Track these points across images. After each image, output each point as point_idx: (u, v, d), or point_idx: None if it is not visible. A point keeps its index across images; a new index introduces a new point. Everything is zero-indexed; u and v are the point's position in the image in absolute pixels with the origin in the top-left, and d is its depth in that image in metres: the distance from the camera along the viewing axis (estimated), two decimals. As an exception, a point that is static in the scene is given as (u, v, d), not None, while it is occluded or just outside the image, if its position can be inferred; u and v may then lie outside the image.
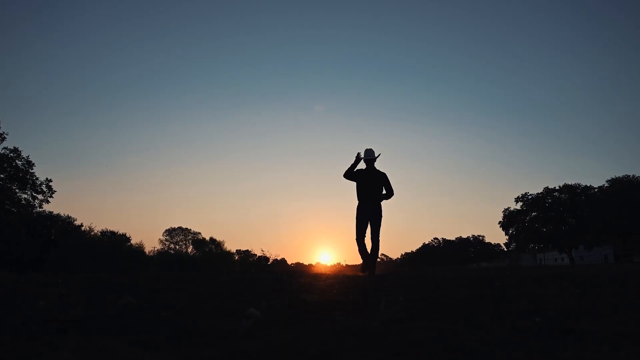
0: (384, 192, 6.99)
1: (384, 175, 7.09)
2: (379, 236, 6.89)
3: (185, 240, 64.10)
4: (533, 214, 47.08)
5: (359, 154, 7.09)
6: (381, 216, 6.95)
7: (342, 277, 5.26)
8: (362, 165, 7.10)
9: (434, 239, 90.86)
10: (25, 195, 31.09)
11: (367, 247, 6.79)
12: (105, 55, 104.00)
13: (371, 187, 6.90)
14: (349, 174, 7.01)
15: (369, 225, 6.87)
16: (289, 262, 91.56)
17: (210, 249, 59.38)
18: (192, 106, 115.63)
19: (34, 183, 31.15)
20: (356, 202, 7.08)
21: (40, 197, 31.57)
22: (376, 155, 7.17)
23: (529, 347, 0.95)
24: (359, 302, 1.79)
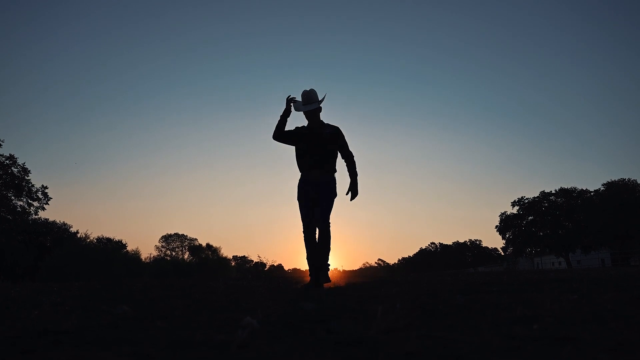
0: (346, 160, 4.91)
1: (335, 131, 4.84)
2: (328, 222, 4.73)
3: (181, 246, 63.94)
4: (530, 218, 47.19)
5: (290, 100, 4.81)
6: (333, 193, 4.80)
7: (339, 284, 5.25)
8: (303, 119, 4.93)
9: (431, 243, 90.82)
10: (21, 203, 31.00)
11: (315, 239, 4.79)
12: (100, 61, 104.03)
13: (316, 151, 4.76)
14: (280, 134, 4.80)
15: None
16: (286, 268, 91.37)
17: (207, 255, 59.23)
18: (188, 112, 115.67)
19: (29, 190, 31.07)
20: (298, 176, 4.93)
21: (35, 204, 31.48)
22: (319, 100, 4.81)
23: (526, 356, 0.95)
24: (355, 310, 1.78)
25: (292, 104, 4.80)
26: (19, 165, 30.70)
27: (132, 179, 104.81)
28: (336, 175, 4.94)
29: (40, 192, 31.58)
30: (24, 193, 30.92)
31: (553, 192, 47.30)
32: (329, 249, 4.74)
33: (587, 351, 0.98)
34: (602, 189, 43.54)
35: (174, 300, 2.69)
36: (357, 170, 4.92)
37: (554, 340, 1.11)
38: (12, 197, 30.56)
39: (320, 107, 4.83)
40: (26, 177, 30.95)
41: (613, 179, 43.46)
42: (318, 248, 4.70)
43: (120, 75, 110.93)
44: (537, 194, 48.04)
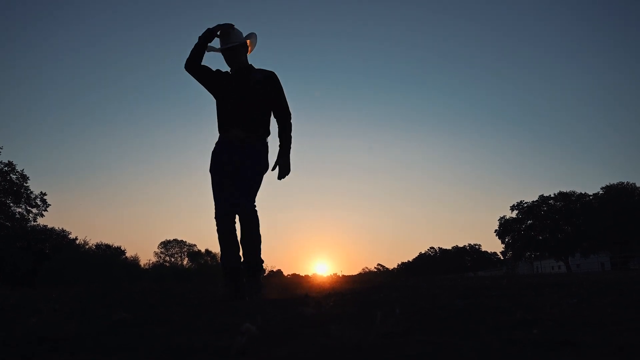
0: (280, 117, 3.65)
1: (267, 77, 3.60)
2: (253, 205, 3.43)
3: (180, 252, 63.88)
4: (529, 222, 47.27)
5: (213, 30, 3.51)
6: (262, 164, 3.53)
7: (339, 289, 5.24)
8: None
9: (430, 248, 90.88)
10: (20, 209, 31.02)
11: (236, 231, 3.51)
12: (98, 67, 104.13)
13: (239, 101, 3.50)
14: (193, 63, 3.53)
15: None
16: (285, 274, 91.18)
17: (206, 261, 59.16)
18: (187, 117, 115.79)
19: (28, 197, 31.11)
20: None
21: (34, 210, 31.57)
22: (245, 40, 3.59)
23: (527, 361, 0.95)
24: (355, 315, 1.77)
25: (216, 33, 3.55)
26: (18, 171, 30.78)
27: (131, 186, 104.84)
28: (269, 140, 3.71)
29: (39, 199, 31.64)
30: (23, 200, 30.95)
31: (552, 196, 47.42)
32: (259, 244, 3.49)
33: (587, 355, 0.98)
34: (601, 192, 43.65)
35: (173, 305, 2.68)
36: (292, 136, 3.68)
37: (554, 344, 1.10)
38: (11, 204, 30.60)
39: (249, 49, 3.67)
40: (25, 184, 31.00)
41: (612, 183, 43.58)
42: (243, 243, 3.45)
43: (119, 81, 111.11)
44: (536, 198, 48.18)
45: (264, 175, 3.58)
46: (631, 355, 0.98)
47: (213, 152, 3.60)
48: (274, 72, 3.65)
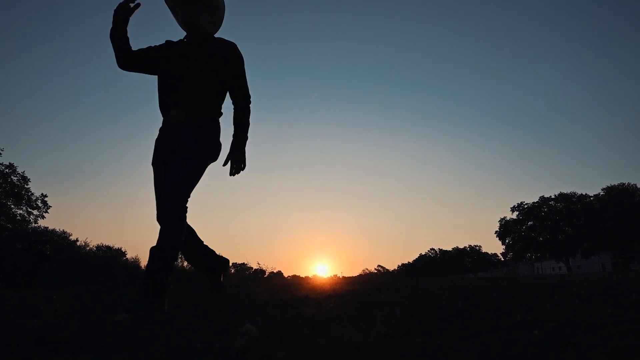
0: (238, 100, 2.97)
1: (226, 49, 2.93)
2: (179, 200, 2.61)
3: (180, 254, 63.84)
4: (529, 223, 47.23)
5: (118, 11, 2.85)
6: (201, 150, 2.76)
7: (339, 290, 5.24)
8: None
9: (431, 249, 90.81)
10: (21, 211, 31.03)
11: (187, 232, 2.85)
12: (99, 69, 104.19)
13: (182, 76, 2.83)
14: (126, 57, 2.97)
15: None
16: (286, 275, 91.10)
17: (207, 262, 59.04)
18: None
19: (29, 198, 31.13)
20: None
21: (35, 212, 31.55)
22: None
23: (527, 361, 0.94)
24: (355, 316, 1.77)
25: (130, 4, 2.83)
26: (19, 173, 30.78)
27: (131, 187, 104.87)
28: (221, 123, 2.98)
29: (39, 201, 31.64)
30: (24, 201, 30.96)
31: (552, 197, 47.41)
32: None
33: (587, 356, 0.98)
34: (602, 193, 43.61)
35: (173, 307, 2.68)
36: (249, 123, 3.01)
37: (554, 345, 1.10)
38: (12, 206, 30.61)
39: (217, 15, 2.98)
40: (26, 186, 31.01)
41: (612, 184, 43.54)
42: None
43: (118, 83, 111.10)
44: (536, 199, 48.21)
45: (213, 166, 2.89)
46: (632, 355, 0.98)
47: (156, 141, 2.95)
48: (235, 45, 2.98)
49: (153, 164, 2.90)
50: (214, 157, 2.89)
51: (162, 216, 2.63)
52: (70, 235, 38.51)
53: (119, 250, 43.41)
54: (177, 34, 3.09)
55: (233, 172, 2.96)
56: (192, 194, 2.72)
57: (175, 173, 2.67)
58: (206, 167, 2.83)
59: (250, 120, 3.02)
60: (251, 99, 3.03)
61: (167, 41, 3.06)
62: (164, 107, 2.89)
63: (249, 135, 3.03)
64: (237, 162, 2.95)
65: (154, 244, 2.63)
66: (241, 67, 2.97)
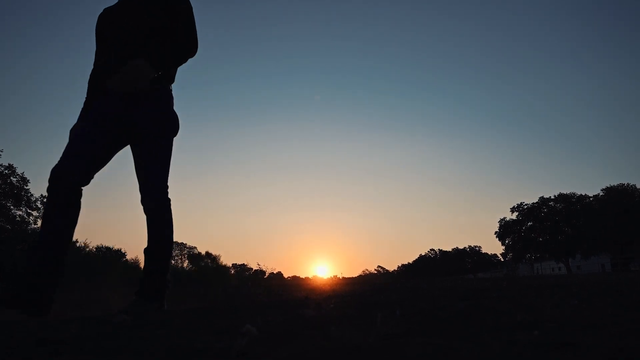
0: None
1: None
2: (166, 193, 2.62)
3: (180, 254, 63.85)
4: (529, 223, 47.27)
5: None
6: (169, 126, 2.67)
7: (339, 290, 5.23)
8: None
9: (431, 250, 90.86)
10: (20, 212, 31.01)
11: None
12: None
13: (129, 30, 2.43)
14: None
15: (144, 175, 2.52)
16: (286, 276, 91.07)
17: (206, 263, 59.09)
18: (186, 119, 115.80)
19: (28, 199, 31.11)
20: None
21: (35, 213, 31.49)
22: None
23: (527, 362, 0.94)
24: (355, 317, 1.77)
25: None
26: (18, 174, 30.77)
27: (131, 188, 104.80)
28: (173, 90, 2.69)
29: (39, 202, 31.59)
30: (23, 202, 30.94)
31: (552, 197, 47.44)
32: (169, 248, 2.62)
33: (587, 356, 0.98)
34: (602, 194, 43.65)
35: (173, 308, 2.69)
36: (184, 60, 2.56)
37: (554, 345, 1.10)
38: (11, 207, 30.58)
39: None
40: (25, 187, 30.99)
41: (612, 184, 43.58)
42: (149, 245, 2.59)
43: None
44: (536, 200, 48.24)
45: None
46: (632, 356, 0.98)
47: (85, 103, 2.63)
48: None
49: (73, 129, 2.52)
50: (175, 134, 2.78)
51: (155, 213, 2.59)
52: (69, 236, 38.47)
53: (119, 251, 43.40)
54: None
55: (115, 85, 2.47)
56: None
57: (156, 168, 2.57)
58: (171, 149, 2.71)
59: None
60: (197, 45, 2.59)
61: (104, 9, 2.67)
62: (106, 66, 2.57)
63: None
64: (132, 71, 2.36)
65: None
66: (188, 15, 2.55)
